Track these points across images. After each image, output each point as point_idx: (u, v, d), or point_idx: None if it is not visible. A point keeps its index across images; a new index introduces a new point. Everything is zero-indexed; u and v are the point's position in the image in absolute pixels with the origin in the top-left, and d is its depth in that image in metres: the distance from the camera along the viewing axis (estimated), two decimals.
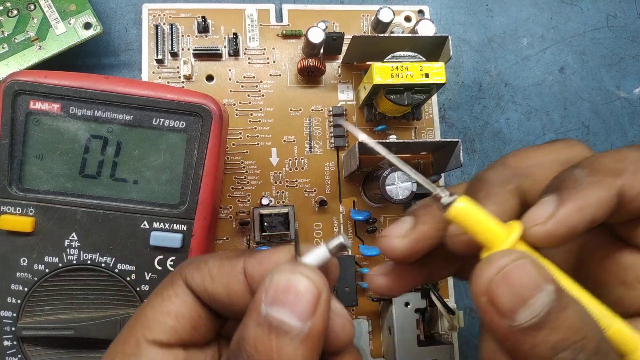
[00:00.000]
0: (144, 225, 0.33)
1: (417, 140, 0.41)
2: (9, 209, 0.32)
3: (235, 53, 0.44)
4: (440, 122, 0.47)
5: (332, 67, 0.46)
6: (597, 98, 0.50)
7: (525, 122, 0.49)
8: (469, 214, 0.19)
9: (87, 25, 0.41)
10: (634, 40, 0.52)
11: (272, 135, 0.44)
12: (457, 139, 0.40)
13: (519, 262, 0.18)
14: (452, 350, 0.39)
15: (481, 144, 0.48)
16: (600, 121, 0.50)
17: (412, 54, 0.41)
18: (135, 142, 0.33)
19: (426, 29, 0.43)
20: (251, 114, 0.44)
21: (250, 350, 0.18)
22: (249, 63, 0.45)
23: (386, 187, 0.38)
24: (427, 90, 0.40)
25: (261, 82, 0.44)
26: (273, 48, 0.45)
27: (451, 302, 0.44)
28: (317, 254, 0.21)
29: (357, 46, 0.42)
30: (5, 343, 0.32)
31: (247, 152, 0.44)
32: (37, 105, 0.32)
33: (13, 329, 0.32)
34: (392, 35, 0.42)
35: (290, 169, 0.44)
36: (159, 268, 0.33)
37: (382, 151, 0.23)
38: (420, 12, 0.48)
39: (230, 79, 0.44)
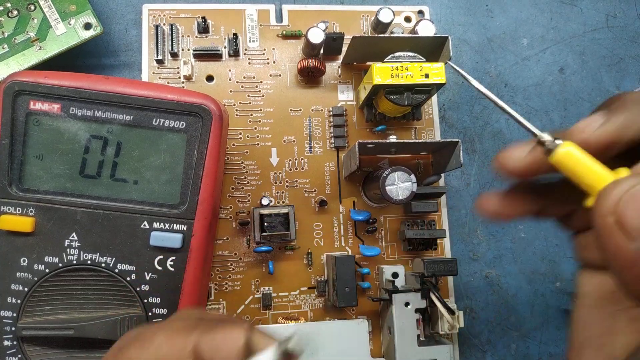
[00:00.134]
0: (144, 225, 0.33)
1: (417, 141, 0.41)
2: (9, 209, 0.32)
3: (235, 53, 0.44)
4: (440, 123, 0.47)
5: (332, 68, 0.46)
6: (597, 98, 0.50)
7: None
8: (574, 158, 0.19)
9: (87, 26, 0.41)
10: (634, 41, 0.52)
11: (272, 135, 0.44)
12: (457, 139, 0.40)
13: None
14: (452, 350, 0.39)
15: (481, 144, 0.48)
16: None
17: (412, 54, 0.41)
18: (135, 143, 0.33)
19: (426, 29, 0.43)
20: (251, 114, 0.44)
21: None
22: (249, 63, 0.45)
23: (386, 187, 0.38)
24: (427, 90, 0.41)
25: (261, 82, 0.44)
26: (273, 48, 0.45)
27: (451, 302, 0.44)
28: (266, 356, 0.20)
29: (357, 46, 0.42)
30: (5, 343, 0.32)
31: (247, 152, 0.44)
32: (37, 105, 0.32)
33: (13, 328, 0.32)
34: (392, 35, 0.42)
35: (290, 169, 0.44)
36: (159, 268, 0.33)
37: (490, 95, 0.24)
38: (420, 12, 0.48)
39: (230, 80, 0.44)
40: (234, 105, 0.44)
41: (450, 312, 0.40)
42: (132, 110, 0.33)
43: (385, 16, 0.44)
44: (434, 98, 0.47)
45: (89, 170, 0.33)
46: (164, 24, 0.44)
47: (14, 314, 0.32)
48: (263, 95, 0.44)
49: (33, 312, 0.32)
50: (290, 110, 0.45)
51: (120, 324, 0.32)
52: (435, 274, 0.40)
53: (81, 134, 0.32)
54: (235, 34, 0.44)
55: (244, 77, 0.44)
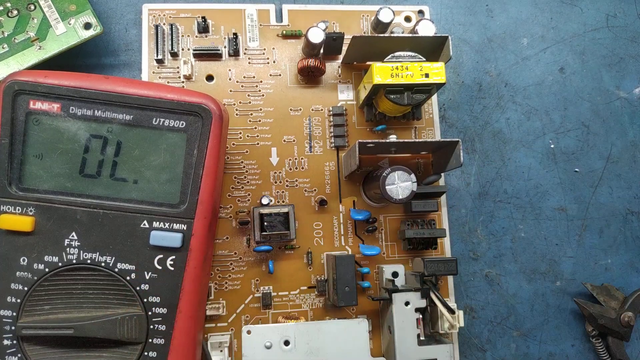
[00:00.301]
0: (144, 224, 0.33)
1: (417, 140, 0.41)
2: (8, 209, 0.32)
3: (235, 53, 0.44)
4: (440, 122, 0.47)
5: (332, 67, 0.46)
6: (597, 98, 0.50)
7: (525, 122, 0.49)
8: None
9: (87, 26, 0.41)
10: (634, 40, 0.52)
11: (272, 135, 0.44)
12: (457, 139, 0.40)
13: None
14: (452, 350, 0.39)
15: (481, 143, 0.48)
16: (600, 121, 0.50)
17: (412, 54, 0.41)
18: (135, 142, 0.33)
19: (426, 29, 0.43)
20: (251, 114, 0.44)
21: None
22: (249, 63, 0.45)
23: (386, 187, 0.38)
24: (427, 90, 0.41)
25: (261, 82, 0.45)
26: (273, 48, 0.45)
27: (451, 302, 0.44)
28: None
29: (357, 46, 0.42)
30: (5, 342, 0.32)
31: (247, 151, 0.44)
32: (37, 105, 0.32)
33: (13, 328, 0.32)
34: (392, 35, 0.42)
35: (290, 169, 0.44)
36: (159, 267, 0.33)
37: None
38: (420, 12, 0.48)
39: (230, 79, 0.44)
40: (234, 104, 0.44)
41: (450, 311, 0.40)
42: (132, 110, 0.33)
43: (385, 16, 0.44)
44: (434, 98, 0.47)
45: (88, 170, 0.33)
46: (164, 24, 0.44)
47: (14, 313, 0.32)
48: (263, 95, 0.44)
49: (33, 311, 0.32)
50: (290, 109, 0.45)
51: (120, 323, 0.32)
52: (435, 273, 0.40)
53: (81, 133, 0.32)
54: (235, 34, 0.44)
55: (244, 77, 0.44)
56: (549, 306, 0.47)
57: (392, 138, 0.43)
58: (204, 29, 0.44)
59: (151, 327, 0.33)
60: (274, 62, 0.45)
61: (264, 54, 0.45)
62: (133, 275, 0.33)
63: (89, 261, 0.32)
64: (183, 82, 0.43)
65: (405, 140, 0.40)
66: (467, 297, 0.46)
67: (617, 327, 0.45)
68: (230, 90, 0.44)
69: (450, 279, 0.45)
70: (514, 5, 0.51)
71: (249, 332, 0.38)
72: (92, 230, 0.32)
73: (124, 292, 0.33)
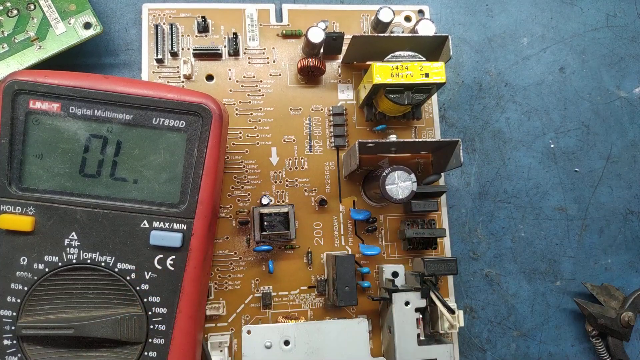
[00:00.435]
0: (144, 224, 0.33)
1: (417, 140, 0.41)
2: (8, 209, 0.32)
3: (235, 53, 0.44)
4: (440, 122, 0.47)
5: (332, 67, 0.46)
6: (597, 98, 0.50)
7: (525, 122, 0.49)
8: None
9: (87, 25, 0.41)
10: (634, 40, 0.52)
11: (272, 134, 0.44)
12: (457, 139, 0.40)
13: None
14: (452, 350, 0.39)
15: (481, 143, 0.48)
16: (600, 121, 0.50)
17: (412, 53, 0.41)
18: (135, 142, 0.33)
19: (426, 28, 0.43)
20: (251, 114, 0.44)
21: None
22: (249, 63, 0.45)
23: (386, 187, 0.38)
24: (427, 89, 0.40)
25: (261, 81, 0.44)
26: (273, 48, 0.45)
27: (451, 302, 0.44)
28: None
29: (357, 46, 0.42)
30: (5, 342, 0.32)
31: (247, 151, 0.44)
32: (37, 104, 0.32)
33: (13, 328, 0.32)
34: (392, 35, 0.42)
35: (290, 169, 0.44)
36: (159, 267, 0.33)
37: None
38: (420, 12, 0.48)
39: (230, 79, 0.44)
40: (234, 104, 0.44)
41: (450, 311, 0.40)
42: (131, 110, 0.33)
43: (385, 15, 0.44)
44: (434, 97, 0.47)
45: (88, 170, 0.33)
46: (164, 23, 0.44)
47: (14, 313, 0.32)
48: (263, 95, 0.44)
49: (33, 311, 0.32)
50: (290, 109, 0.45)
51: (120, 323, 0.32)
52: (435, 273, 0.40)
53: (81, 133, 0.32)
54: (235, 33, 0.44)
55: (244, 77, 0.44)
56: (549, 306, 0.47)
57: (392, 138, 0.43)
58: (203, 28, 0.44)
59: (151, 327, 0.33)
60: (274, 61, 0.45)
61: (264, 53, 0.45)
62: (133, 275, 0.33)
63: (89, 261, 0.32)
64: (183, 81, 0.43)
65: (405, 140, 0.40)
66: (467, 297, 0.46)
67: (617, 327, 0.45)
68: (230, 90, 0.44)
69: (450, 278, 0.45)
70: (514, 4, 0.51)
71: (249, 332, 0.38)
72: (92, 230, 0.32)
73: (124, 292, 0.33)
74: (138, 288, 0.33)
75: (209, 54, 0.44)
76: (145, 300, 0.33)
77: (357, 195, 0.44)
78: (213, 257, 0.42)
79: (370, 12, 0.47)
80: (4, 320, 0.32)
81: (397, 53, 0.41)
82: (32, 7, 0.41)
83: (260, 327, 0.39)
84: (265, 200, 0.42)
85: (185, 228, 0.33)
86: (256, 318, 0.42)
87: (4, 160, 0.31)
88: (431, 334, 0.41)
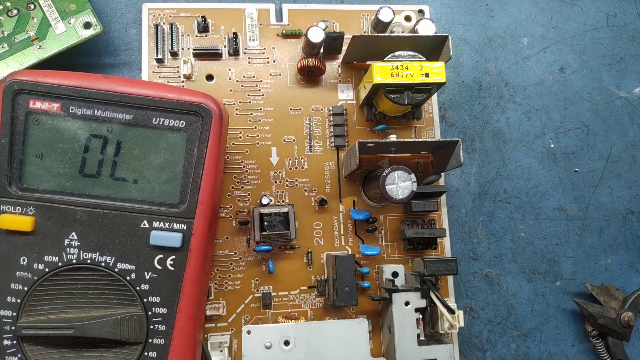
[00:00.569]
0: (144, 224, 0.33)
1: (417, 140, 0.41)
2: (8, 209, 0.32)
3: (235, 52, 0.44)
4: (440, 122, 0.47)
5: (332, 67, 0.46)
6: (597, 98, 0.50)
7: (525, 122, 0.49)
8: None
9: (87, 25, 0.41)
10: (634, 40, 0.52)
11: (272, 134, 0.44)
12: (457, 139, 0.40)
13: None
14: (452, 350, 0.39)
15: (481, 143, 0.48)
16: (600, 121, 0.50)
17: (412, 53, 0.41)
18: (135, 142, 0.33)
19: (426, 28, 0.43)
20: (251, 114, 0.44)
21: None
22: (249, 62, 0.45)
23: (386, 187, 0.38)
24: (427, 89, 0.40)
25: (261, 81, 0.44)
26: (273, 47, 0.45)
27: (451, 302, 0.44)
28: None
29: (357, 46, 0.42)
30: (5, 342, 0.32)
31: (247, 151, 0.44)
32: (37, 104, 0.32)
33: (13, 328, 0.32)
34: (392, 34, 0.42)
35: (290, 169, 0.44)
36: (159, 267, 0.33)
37: None
38: (421, 11, 0.48)
39: (230, 79, 0.44)
40: (234, 104, 0.44)
41: (450, 311, 0.40)
42: (131, 110, 0.33)
43: (385, 15, 0.44)
44: (434, 97, 0.47)
45: (88, 170, 0.33)
46: (164, 23, 0.44)
47: (14, 313, 0.32)
48: (263, 95, 0.44)
49: (33, 311, 0.32)
50: (290, 109, 0.45)
51: (120, 323, 0.32)
52: (435, 273, 0.40)
53: (81, 133, 0.32)
54: (235, 33, 0.44)
55: (244, 76, 0.44)
56: (549, 306, 0.47)
57: (392, 138, 0.43)
58: (203, 28, 0.44)
59: (151, 327, 0.33)
60: (274, 61, 0.45)
61: (264, 53, 0.45)
62: (133, 275, 0.33)
63: (89, 261, 0.32)
64: (183, 81, 0.43)
65: (405, 140, 0.40)
66: (467, 297, 0.46)
67: (617, 327, 0.45)
68: (230, 90, 0.44)
69: (450, 279, 0.45)
70: (514, 4, 0.51)
71: (249, 332, 0.38)
72: (92, 230, 0.32)
73: (124, 292, 0.33)
74: (138, 288, 0.33)
75: (209, 54, 0.44)
76: (145, 300, 0.33)
77: (357, 195, 0.44)
78: (213, 257, 0.42)
79: (370, 11, 0.47)
80: (4, 320, 0.32)
81: (397, 53, 0.41)
82: (32, 6, 0.41)
83: (260, 327, 0.39)
84: (265, 200, 0.42)
85: (185, 228, 0.33)
86: (256, 318, 0.42)
87: (4, 160, 0.31)
88: (431, 334, 0.41)
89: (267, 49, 0.45)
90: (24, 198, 0.32)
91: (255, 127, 0.44)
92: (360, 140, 0.39)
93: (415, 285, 0.40)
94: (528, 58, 0.50)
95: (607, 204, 0.49)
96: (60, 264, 0.32)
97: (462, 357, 0.46)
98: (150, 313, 0.33)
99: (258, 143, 0.44)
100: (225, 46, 0.44)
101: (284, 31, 0.45)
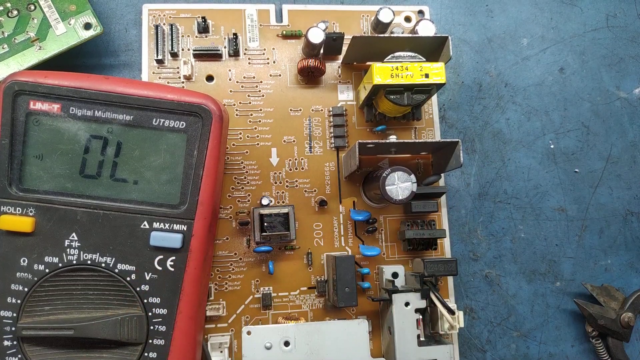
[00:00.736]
0: (144, 225, 0.33)
1: (417, 141, 0.41)
2: (9, 209, 0.32)
3: (235, 53, 0.44)
4: (440, 122, 0.47)
5: (332, 68, 0.46)
6: (597, 98, 0.50)
7: (525, 122, 0.49)
8: None
9: (87, 26, 0.41)
10: (633, 41, 0.52)
11: (272, 135, 0.44)
12: (457, 139, 0.40)
13: None
14: (452, 351, 0.39)
15: (481, 144, 0.48)
16: (600, 121, 0.50)
17: (412, 54, 0.41)
18: (135, 143, 0.33)
19: (426, 29, 0.43)
20: (251, 114, 0.44)
21: None
22: (249, 63, 0.45)
23: (386, 187, 0.38)
24: (427, 90, 0.41)
25: (261, 82, 0.44)
26: (273, 48, 0.45)
27: (451, 302, 0.44)
28: None
29: (357, 46, 0.42)
30: (5, 343, 0.32)
31: (247, 152, 0.44)
32: (37, 105, 0.32)
33: (13, 329, 0.32)
34: (392, 35, 0.42)
35: (290, 169, 0.44)
36: (159, 268, 0.33)
37: None
38: (420, 12, 0.48)
39: (230, 79, 0.44)
40: (234, 105, 0.44)
41: (450, 312, 0.40)
42: (132, 110, 0.33)
43: (385, 16, 0.44)
44: (434, 98, 0.47)
45: (89, 170, 0.33)
46: (164, 24, 0.44)
47: (14, 314, 0.32)
48: (263, 95, 0.44)
49: (33, 312, 0.32)
50: (290, 110, 0.45)
51: (120, 324, 0.32)
52: (435, 274, 0.40)
53: (81, 134, 0.32)
54: (235, 34, 0.44)
55: (244, 77, 0.44)
56: (548, 307, 0.47)
57: (392, 138, 0.43)
58: (204, 29, 0.44)
59: (151, 327, 0.33)
60: (274, 62, 0.45)
61: (264, 54, 0.45)
62: (133, 276, 0.33)
63: (89, 262, 0.32)
64: (183, 82, 0.43)
65: (405, 141, 0.40)
66: (467, 297, 0.46)
67: (617, 328, 0.45)
68: (230, 91, 0.44)
69: (450, 279, 0.45)
70: (514, 5, 0.51)
71: (249, 332, 0.38)
72: (92, 230, 0.32)
73: (124, 293, 0.33)
74: (138, 289, 0.33)
75: (209, 55, 0.44)
76: (145, 301, 0.33)
77: (357, 195, 0.44)
78: (213, 257, 0.42)
79: (370, 12, 0.47)
80: (4, 321, 0.32)
81: (397, 54, 0.41)
82: (33, 7, 0.41)
83: (260, 327, 0.39)
84: (265, 201, 0.42)
85: (185, 229, 0.33)
86: (256, 319, 0.42)
87: (4, 161, 0.31)
88: (431, 335, 0.41)
89: (267, 50, 0.45)
90: (24, 199, 0.32)
91: (256, 128, 0.44)
92: (360, 141, 0.39)
93: (415, 285, 0.40)
94: (528, 59, 0.50)
95: (607, 205, 0.49)
96: (60, 264, 0.32)
97: (462, 358, 0.46)
98: (150, 314, 0.33)
99: (258, 144, 0.44)
100: (225, 47, 0.44)
101: (284, 32, 0.45)
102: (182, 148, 0.33)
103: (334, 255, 0.41)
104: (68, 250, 0.32)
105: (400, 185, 0.38)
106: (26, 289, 0.32)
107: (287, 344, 0.38)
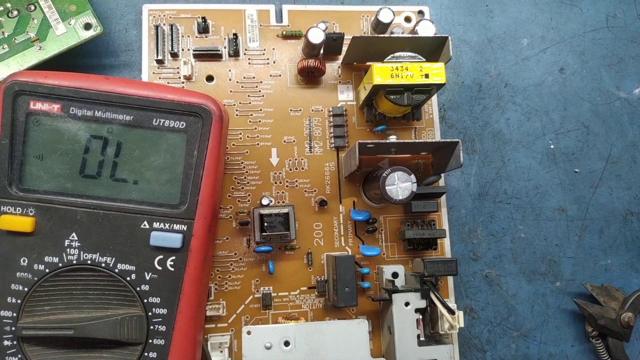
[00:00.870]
0: (144, 225, 0.33)
1: (417, 141, 0.41)
2: (9, 209, 0.32)
3: (235, 53, 0.44)
4: (440, 123, 0.47)
5: (332, 68, 0.46)
6: (597, 98, 0.50)
7: (525, 122, 0.49)
8: None
9: (87, 26, 0.41)
10: (633, 41, 0.52)
11: (272, 135, 0.44)
12: (457, 140, 0.40)
13: None
14: (452, 351, 0.39)
15: (481, 144, 0.48)
16: (600, 121, 0.50)
17: (412, 54, 0.41)
18: (135, 143, 0.33)
19: (426, 29, 0.43)
20: (251, 114, 0.44)
21: None
22: (249, 63, 0.45)
23: (386, 187, 0.38)
24: (427, 90, 0.41)
25: (261, 82, 0.45)
26: (273, 48, 0.45)
27: (451, 302, 0.44)
28: None
29: (357, 47, 0.42)
30: (5, 343, 0.32)
31: (247, 152, 0.44)
32: (37, 105, 0.32)
33: (13, 328, 0.32)
34: (392, 35, 0.42)
35: (290, 169, 0.44)
36: (159, 268, 0.33)
37: None
38: (420, 12, 0.48)
39: (230, 80, 0.44)
40: (234, 105, 0.44)
41: (450, 312, 0.40)
42: (132, 111, 0.33)
43: (385, 16, 0.44)
44: (434, 98, 0.47)
45: (89, 170, 0.33)
46: (164, 24, 0.44)
47: (14, 314, 0.32)
48: (263, 95, 0.44)
49: (33, 312, 0.32)
50: (290, 110, 0.45)
51: (120, 323, 0.32)
52: (435, 274, 0.40)
53: (81, 134, 0.32)
54: (235, 34, 0.44)
55: (244, 77, 0.44)
56: (548, 306, 0.47)
57: (392, 138, 0.43)
58: (204, 29, 0.44)
59: (151, 327, 0.33)
60: (274, 62, 0.45)
61: (264, 54, 0.45)
62: (133, 276, 0.33)
63: (89, 262, 0.32)
64: (183, 82, 0.43)
65: (405, 141, 0.40)
66: (467, 297, 0.46)
67: (617, 328, 0.45)
68: (230, 91, 0.44)
69: (450, 279, 0.45)
70: (514, 5, 0.51)
71: (249, 332, 0.38)
72: (92, 230, 0.32)
73: (124, 293, 0.33)
74: (138, 289, 0.33)
75: (209, 55, 0.44)
76: (145, 300, 0.33)
77: (357, 195, 0.44)
78: (213, 257, 0.42)
79: (370, 12, 0.47)
80: (4, 321, 0.32)
81: (397, 54, 0.41)
82: (33, 7, 0.41)
83: (260, 327, 0.39)
84: (265, 201, 0.42)
85: (185, 229, 0.33)
86: (256, 319, 0.42)
87: (5, 161, 0.31)
88: (431, 335, 0.41)
89: (267, 50, 0.45)
90: (24, 199, 0.32)
91: (256, 128, 0.44)
92: (360, 141, 0.39)
93: (415, 285, 0.40)
94: (528, 59, 0.50)
95: (607, 205, 0.49)
96: (60, 264, 0.32)
97: (462, 358, 0.46)
98: (150, 314, 0.33)
99: (258, 144, 0.44)
100: (225, 47, 0.44)
101: (284, 32, 0.45)
102: (182, 148, 0.33)
103: (334, 255, 0.41)
104: (68, 250, 0.32)
105: (400, 185, 0.38)
106: (26, 289, 0.32)
107: (287, 343, 0.38)
